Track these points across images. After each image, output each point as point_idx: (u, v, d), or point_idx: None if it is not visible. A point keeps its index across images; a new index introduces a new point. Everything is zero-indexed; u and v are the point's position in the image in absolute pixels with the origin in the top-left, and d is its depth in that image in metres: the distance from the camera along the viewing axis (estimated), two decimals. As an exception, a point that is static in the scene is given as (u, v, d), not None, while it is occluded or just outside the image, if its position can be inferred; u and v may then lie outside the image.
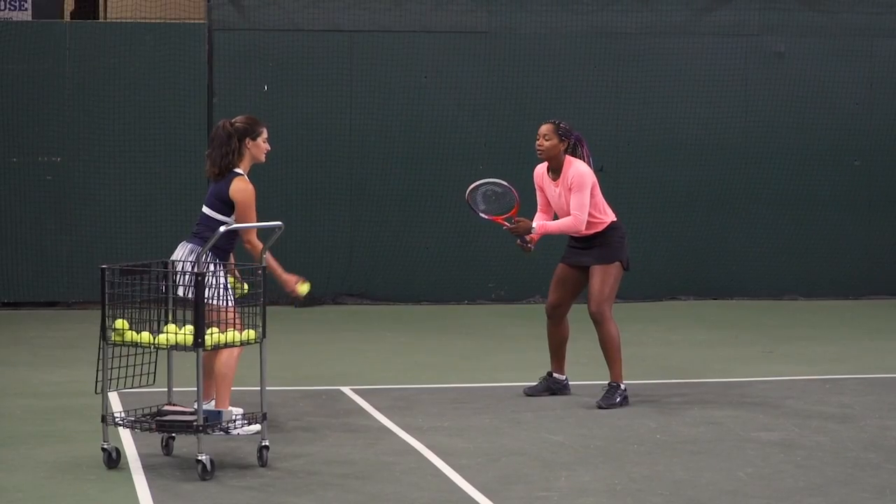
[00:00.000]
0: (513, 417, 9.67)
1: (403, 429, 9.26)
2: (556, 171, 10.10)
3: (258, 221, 9.10)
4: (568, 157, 10.06)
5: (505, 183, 10.24)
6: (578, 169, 10.01)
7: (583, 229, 10.02)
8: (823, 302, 16.29)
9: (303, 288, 9.07)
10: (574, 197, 9.96)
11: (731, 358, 12.45)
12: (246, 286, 8.56)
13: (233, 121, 9.04)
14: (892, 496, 7.64)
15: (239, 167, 8.97)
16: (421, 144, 15.87)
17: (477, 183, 10.33)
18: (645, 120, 16.16)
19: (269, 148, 9.14)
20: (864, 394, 10.64)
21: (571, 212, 9.98)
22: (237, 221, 8.85)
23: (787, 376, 11.46)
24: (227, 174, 8.95)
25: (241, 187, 8.88)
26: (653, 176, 16.08)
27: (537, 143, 10.09)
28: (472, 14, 15.93)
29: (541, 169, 10.26)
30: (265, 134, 9.07)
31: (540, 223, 10.08)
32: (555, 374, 10.42)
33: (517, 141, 15.96)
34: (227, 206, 8.91)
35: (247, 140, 8.99)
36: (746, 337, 13.69)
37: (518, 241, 10.11)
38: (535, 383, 10.51)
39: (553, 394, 10.37)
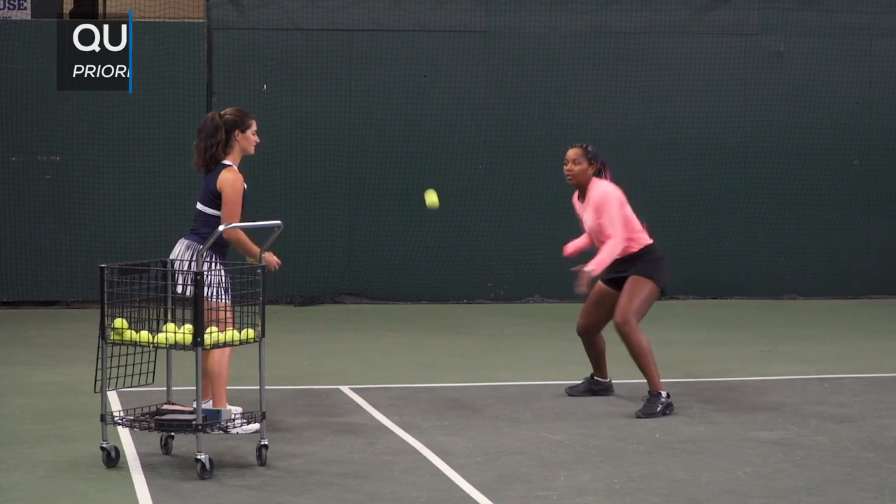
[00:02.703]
0: (512, 417, 9.66)
1: (402, 428, 9.26)
2: (583, 193, 9.97)
3: (249, 218, 9.08)
4: (593, 179, 9.90)
5: None
6: (602, 188, 9.85)
7: (623, 244, 9.77)
8: (822, 301, 16.28)
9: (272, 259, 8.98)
10: (604, 217, 9.77)
11: (730, 357, 12.45)
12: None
13: (222, 112, 8.99)
14: (891, 495, 7.64)
15: (228, 159, 8.93)
16: (420, 144, 15.86)
17: None
18: (644, 119, 16.15)
19: (259, 140, 9.07)
20: (863, 393, 10.64)
21: (607, 233, 9.76)
22: (222, 212, 8.81)
23: (785, 376, 11.45)
24: (215, 166, 8.92)
25: (228, 178, 8.81)
26: (652, 175, 16.06)
27: (566, 167, 9.91)
28: (472, 13, 15.92)
29: (575, 195, 10.11)
30: (254, 126, 9.01)
31: (591, 266, 9.68)
32: (597, 377, 10.38)
33: (516, 141, 15.97)
34: (217, 199, 8.84)
35: (236, 132, 8.92)
36: (745, 336, 13.69)
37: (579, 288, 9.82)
38: (576, 383, 10.46)
39: (595, 394, 10.32)
